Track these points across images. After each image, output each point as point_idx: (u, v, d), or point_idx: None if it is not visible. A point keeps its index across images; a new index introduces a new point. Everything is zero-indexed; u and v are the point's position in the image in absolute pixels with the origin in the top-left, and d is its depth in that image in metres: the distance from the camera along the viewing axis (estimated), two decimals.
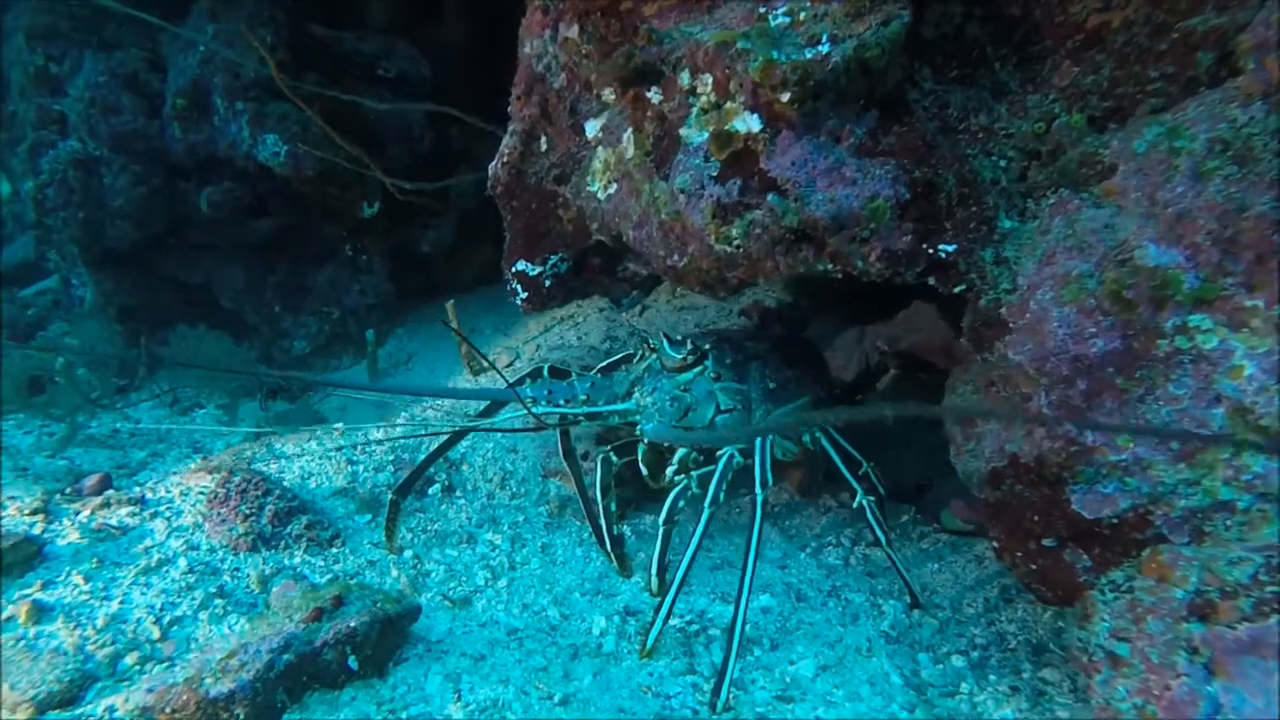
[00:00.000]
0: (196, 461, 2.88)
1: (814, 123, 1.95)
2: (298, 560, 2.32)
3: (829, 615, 2.55)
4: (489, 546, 2.59)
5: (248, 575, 2.19)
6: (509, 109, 2.78)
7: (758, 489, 2.18)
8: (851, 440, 2.85)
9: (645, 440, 2.15)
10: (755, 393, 2.55)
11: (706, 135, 2.10)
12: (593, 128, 2.62)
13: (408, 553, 2.49)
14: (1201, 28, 1.69)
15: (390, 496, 2.49)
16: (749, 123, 2.02)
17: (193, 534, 2.34)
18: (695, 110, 2.13)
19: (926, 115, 2.01)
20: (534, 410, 2.35)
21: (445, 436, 2.64)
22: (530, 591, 2.37)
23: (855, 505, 2.57)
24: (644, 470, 2.58)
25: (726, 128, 2.05)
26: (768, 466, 2.22)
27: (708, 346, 2.52)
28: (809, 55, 1.87)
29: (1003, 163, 2.00)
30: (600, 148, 2.57)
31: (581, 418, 2.42)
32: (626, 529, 2.83)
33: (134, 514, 2.45)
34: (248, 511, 2.31)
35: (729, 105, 2.05)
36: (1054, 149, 1.93)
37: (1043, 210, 1.91)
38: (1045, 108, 1.96)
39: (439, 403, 3.59)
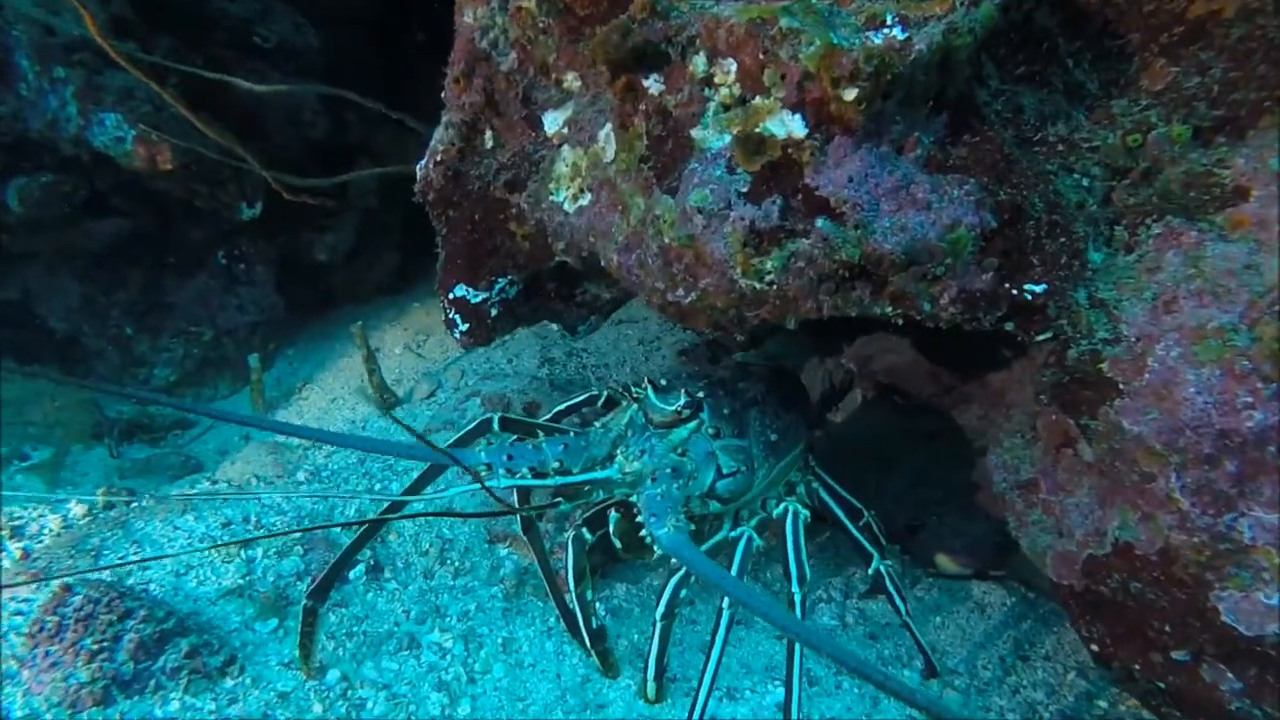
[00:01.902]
0: (11, 556, 2.15)
1: (877, 128, 1.53)
2: (176, 708, 1.70)
3: (848, 701, 2.19)
4: (437, 651, 2.05)
5: None
6: (444, 94, 2.21)
7: (794, 587, 1.77)
8: (832, 471, 2.50)
9: (658, 547, 1.67)
10: (757, 448, 2.12)
11: (729, 139, 1.64)
12: (553, 121, 2.10)
13: (332, 673, 1.91)
14: None
15: (305, 601, 1.90)
16: (789, 125, 1.57)
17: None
18: (713, 106, 1.66)
19: (1000, 121, 1.64)
20: (491, 483, 1.82)
21: (373, 512, 2.07)
22: (501, 717, 1.85)
23: (871, 571, 2.21)
24: (617, 544, 2.11)
25: (757, 130, 1.60)
26: (804, 556, 1.81)
27: (701, 395, 2.07)
28: (878, 41, 1.45)
29: (1085, 182, 1.65)
30: (565, 147, 2.06)
31: (562, 499, 1.92)
32: (599, 607, 2.35)
33: None
34: (95, 647, 1.66)
35: (759, 101, 1.60)
36: (1150, 166, 1.60)
37: (1143, 241, 1.58)
38: (1137, 116, 1.63)
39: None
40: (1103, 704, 2.25)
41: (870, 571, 2.19)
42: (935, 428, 3.02)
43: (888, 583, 2.18)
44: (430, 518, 2.36)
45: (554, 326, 3.45)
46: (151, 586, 1.98)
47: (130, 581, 1.97)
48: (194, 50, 3.21)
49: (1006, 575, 2.83)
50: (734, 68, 1.62)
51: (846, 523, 2.30)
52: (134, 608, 1.75)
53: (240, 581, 2.08)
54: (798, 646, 1.67)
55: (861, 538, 2.26)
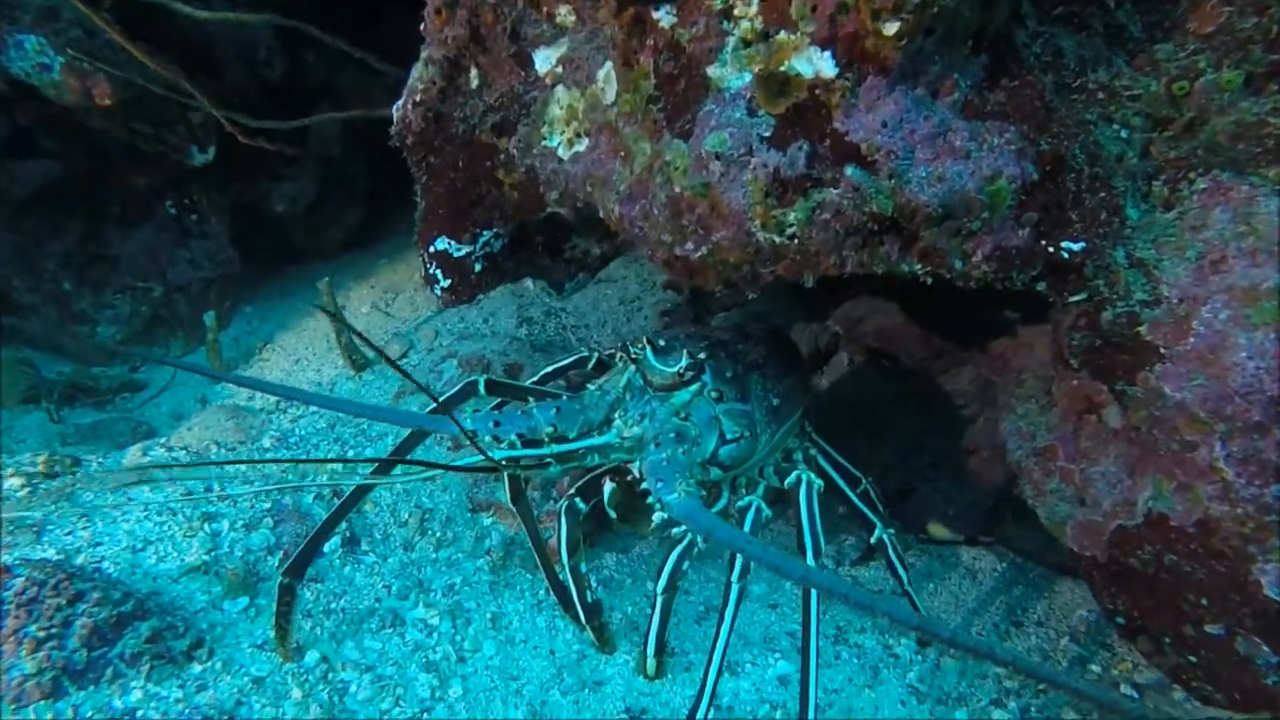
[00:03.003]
0: None
1: (914, 68, 1.40)
2: (138, 697, 1.55)
3: (849, 672, 2.14)
4: (423, 629, 1.92)
5: None
6: (423, 27, 2.01)
7: (810, 560, 1.68)
8: (820, 435, 2.43)
9: (668, 513, 1.56)
10: (759, 413, 2.01)
11: (750, 78, 1.50)
12: (545, 60, 1.93)
13: (311, 654, 1.77)
14: None
15: (280, 579, 1.75)
16: (817, 63, 1.43)
17: None
18: (732, 41, 1.51)
19: (1039, 65, 1.52)
20: (490, 453, 1.70)
21: (351, 483, 1.92)
22: (495, 699, 1.75)
23: (874, 540, 2.15)
24: (612, 514, 2.01)
25: (781, 68, 1.46)
26: (819, 527, 1.72)
27: (703, 356, 1.95)
28: None
29: (1125, 133, 1.55)
30: (559, 87, 1.89)
31: (551, 460, 1.79)
32: (590, 575, 2.25)
33: None
34: (42, 634, 1.49)
35: (784, 37, 1.46)
36: (1196, 116, 1.51)
37: (1185, 197, 1.49)
38: (1183, 61, 1.53)
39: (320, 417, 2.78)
40: (1096, 669, 2.25)
41: (873, 540, 2.13)
42: (926, 391, 2.96)
43: (890, 551, 2.12)
44: (411, 483, 2.22)
45: (530, 284, 3.30)
46: (105, 564, 1.81)
47: (80, 560, 1.80)
48: None
49: (995, 541, 2.81)
50: None
51: (847, 490, 2.22)
52: (85, 589, 1.58)
53: (205, 557, 1.92)
54: (814, 612, 1.59)
55: (862, 506, 2.19)
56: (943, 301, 2.27)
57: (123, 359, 3.36)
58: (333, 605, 1.94)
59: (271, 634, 1.75)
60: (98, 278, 3.25)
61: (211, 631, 1.76)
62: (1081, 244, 1.48)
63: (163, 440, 2.80)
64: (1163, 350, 1.41)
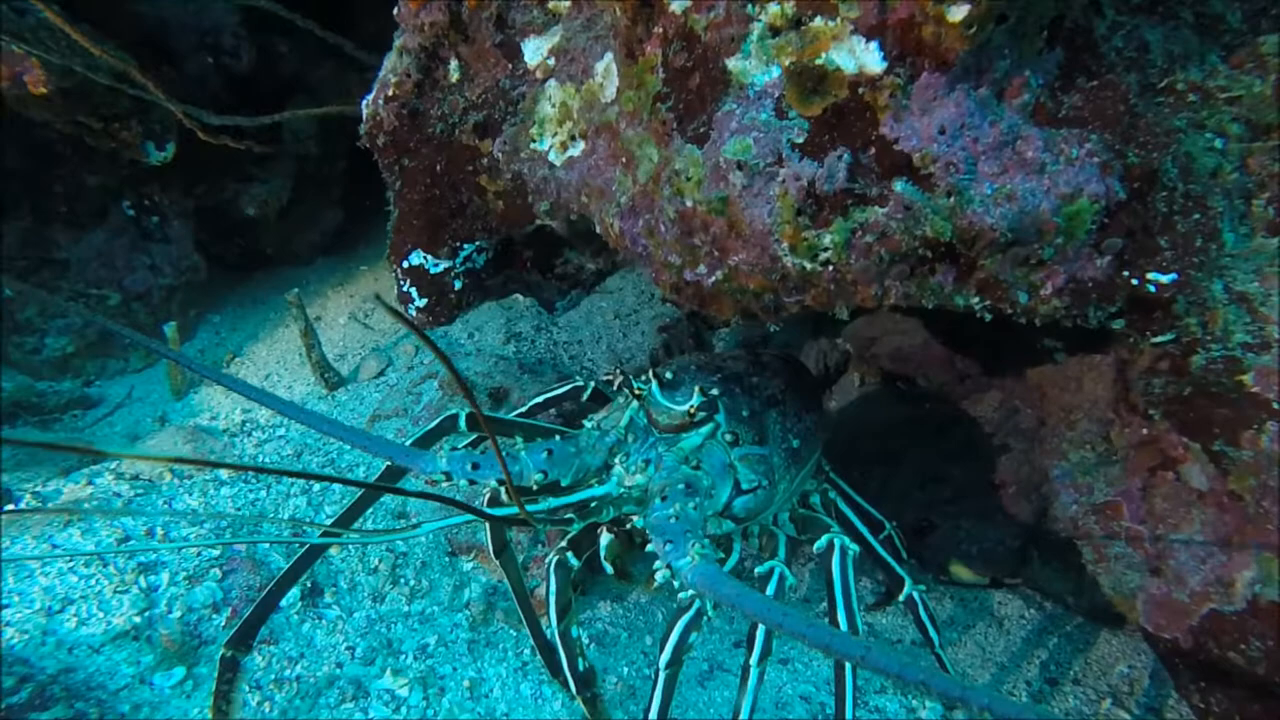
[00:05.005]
0: None
1: (978, 63, 1.16)
2: None
3: None
4: (389, 702, 1.67)
5: None
6: (396, 12, 1.77)
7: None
8: (832, 459, 2.20)
9: (682, 582, 1.33)
10: (777, 457, 1.77)
11: (778, 72, 1.25)
12: (536, 50, 1.68)
13: None
14: None
15: (222, 651, 1.50)
16: (861, 56, 1.19)
17: None
18: (758, 28, 1.27)
19: (1121, 63, 1.28)
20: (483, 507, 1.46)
21: (309, 540, 1.67)
22: None
23: (903, 598, 1.91)
24: (608, 568, 1.76)
25: (817, 61, 1.22)
26: (854, 599, 1.48)
27: (716, 392, 1.70)
28: None
29: (1219, 142, 1.32)
30: (552, 82, 1.64)
31: (545, 516, 1.55)
32: (582, 634, 2.00)
33: None
34: None
35: (820, 24, 1.21)
36: None
37: None
38: None
39: (285, 434, 2.53)
40: None
41: (902, 598, 1.89)
42: (946, 417, 2.73)
43: (920, 610, 1.88)
44: (379, 541, 1.97)
45: (520, 297, 3.03)
46: (8, 634, 1.55)
47: None
48: None
49: (1022, 583, 2.59)
50: None
51: (870, 538, 1.99)
52: None
53: (136, 619, 1.66)
54: (849, 692, 1.37)
55: (886, 555, 1.95)
56: (969, 320, 2.04)
57: (75, 372, 3.09)
58: (286, 673, 1.69)
59: (209, 716, 1.49)
60: (44, 284, 2.97)
61: (135, 714, 1.50)
62: (1172, 275, 1.24)
63: (111, 466, 2.53)
64: (1276, 405, 1.18)
